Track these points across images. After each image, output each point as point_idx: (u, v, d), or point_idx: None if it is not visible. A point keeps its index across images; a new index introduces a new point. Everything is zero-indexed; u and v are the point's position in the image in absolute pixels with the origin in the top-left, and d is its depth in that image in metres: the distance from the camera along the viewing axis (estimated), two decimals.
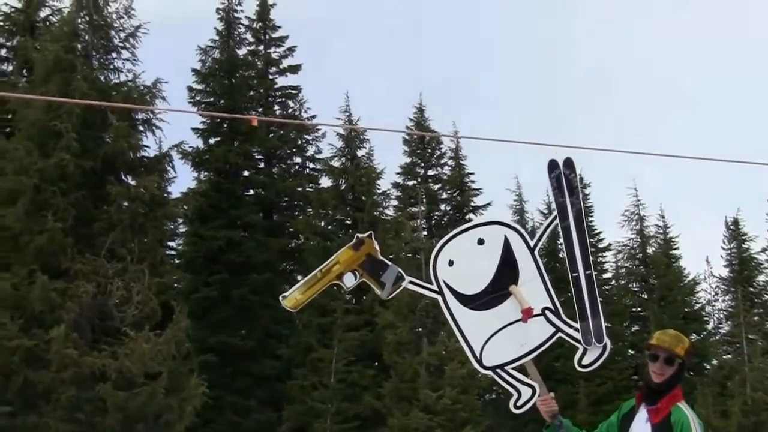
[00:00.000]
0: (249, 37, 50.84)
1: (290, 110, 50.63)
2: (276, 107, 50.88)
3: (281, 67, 51.20)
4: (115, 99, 29.92)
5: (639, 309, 52.65)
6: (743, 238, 53.88)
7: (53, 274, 27.44)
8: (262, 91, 50.91)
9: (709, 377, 46.24)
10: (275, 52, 51.27)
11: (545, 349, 8.79)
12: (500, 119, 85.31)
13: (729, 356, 48.98)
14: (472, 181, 52.93)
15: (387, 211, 48.94)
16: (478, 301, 8.78)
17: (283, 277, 46.34)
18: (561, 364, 43.02)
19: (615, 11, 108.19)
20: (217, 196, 44.78)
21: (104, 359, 26.91)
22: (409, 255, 38.19)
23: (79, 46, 31.13)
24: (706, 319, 53.76)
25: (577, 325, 8.65)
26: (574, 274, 8.86)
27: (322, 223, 46.91)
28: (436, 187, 52.69)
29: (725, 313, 54.91)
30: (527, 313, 8.61)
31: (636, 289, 53.90)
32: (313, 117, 51.81)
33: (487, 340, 8.71)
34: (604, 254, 53.32)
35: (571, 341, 8.66)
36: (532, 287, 8.80)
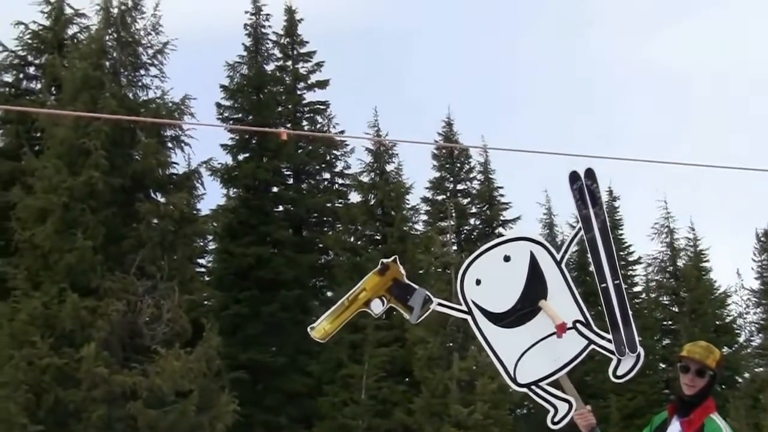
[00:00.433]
0: (277, 52, 50.87)
1: (319, 125, 50.57)
2: (304, 122, 50.84)
3: (309, 82, 51.21)
4: (144, 116, 29.99)
5: (670, 322, 52.29)
6: None
7: (83, 292, 27.46)
8: (290, 106, 50.91)
9: (741, 390, 45.87)
10: (303, 67, 51.29)
11: (578, 363, 8.72)
12: (529, 131, 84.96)
13: (761, 369, 48.68)
14: (501, 195, 52.72)
15: (416, 226, 48.89)
16: (508, 319, 8.72)
17: (313, 293, 46.33)
18: (592, 378, 42.86)
19: (634, 20, 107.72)
20: (246, 213, 44.76)
21: (135, 377, 26.90)
22: (439, 270, 38.11)
23: (107, 63, 31.20)
24: (737, 331, 53.42)
25: (610, 336, 8.57)
26: (603, 285, 8.81)
27: (352, 239, 46.83)
28: (466, 201, 52.47)
29: (757, 325, 54.65)
30: (561, 329, 8.53)
31: (667, 302, 53.54)
32: (342, 132, 51.87)
33: (520, 357, 8.65)
34: (634, 267, 53.05)
35: (604, 353, 8.59)
36: (561, 301, 8.74)
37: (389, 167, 47.44)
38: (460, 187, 52.52)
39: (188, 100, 31.78)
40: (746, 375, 49.03)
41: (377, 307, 8.82)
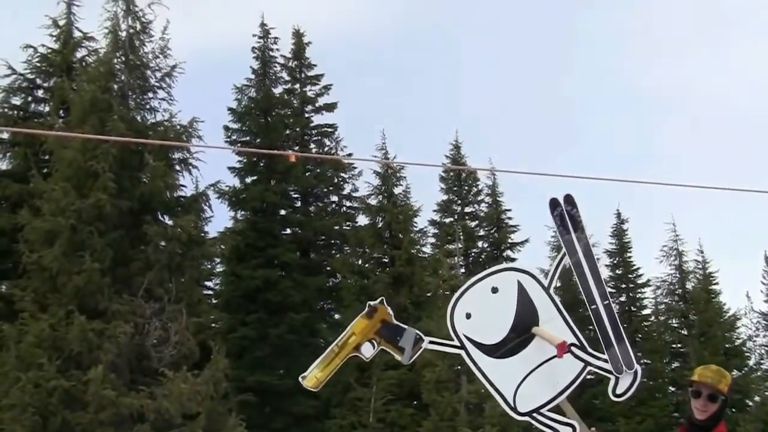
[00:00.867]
0: (285, 75, 51.13)
1: (326, 148, 50.77)
2: (312, 145, 50.99)
3: (317, 105, 51.38)
4: (152, 139, 30.00)
5: (679, 345, 52.26)
6: None
7: (91, 314, 27.41)
8: (298, 129, 51.09)
9: (751, 414, 45.74)
10: (311, 90, 51.53)
11: (579, 386, 8.74)
12: (535, 156, 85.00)
13: None
14: (509, 218, 52.73)
15: (424, 249, 48.98)
16: (502, 349, 8.79)
17: (321, 316, 46.34)
18: (600, 402, 42.73)
19: (658, 44, 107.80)
20: (254, 235, 44.81)
21: (142, 400, 26.82)
22: (447, 292, 38.05)
23: (116, 86, 31.21)
24: (747, 354, 53.32)
25: (606, 357, 8.59)
26: (593, 307, 8.87)
27: (360, 262, 46.86)
28: (473, 224, 52.51)
29: (766, 348, 54.42)
30: (562, 348, 8.54)
31: (676, 325, 53.56)
32: (350, 155, 51.97)
33: (518, 386, 8.70)
34: (643, 290, 53.11)
35: (602, 373, 8.61)
36: (553, 326, 8.79)
37: (397, 190, 47.55)
38: (467, 209, 52.60)
39: (196, 122, 31.81)
40: (756, 398, 48.89)
41: (368, 351, 8.83)
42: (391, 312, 8.88)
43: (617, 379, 8.57)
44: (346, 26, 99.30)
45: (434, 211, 51.51)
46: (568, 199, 8.95)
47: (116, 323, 27.31)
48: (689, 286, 53.16)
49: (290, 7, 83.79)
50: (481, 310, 8.89)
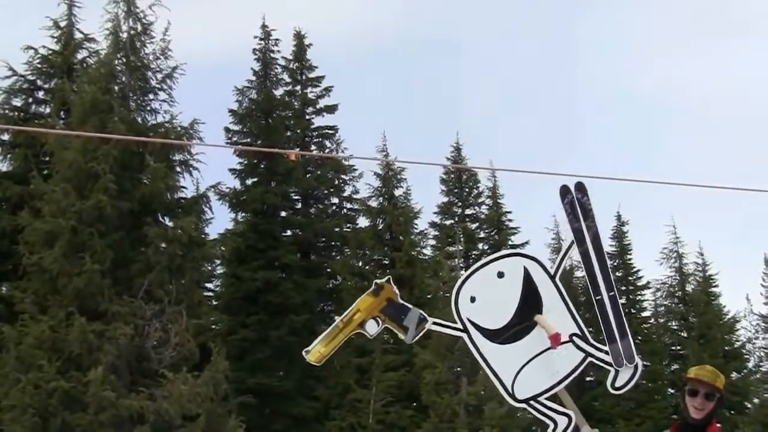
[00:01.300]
0: (286, 77, 51.08)
1: (327, 150, 50.68)
2: (313, 147, 51.01)
3: (318, 107, 51.40)
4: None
5: (678, 347, 52.25)
6: None
7: (91, 316, 27.46)
8: (299, 131, 51.11)
9: (750, 416, 45.78)
10: (312, 92, 51.55)
11: (580, 388, 8.73)
12: (536, 157, 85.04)
13: None
14: (510, 220, 52.68)
15: (425, 251, 48.85)
16: (504, 335, 8.76)
17: (321, 318, 46.29)
18: (600, 403, 42.75)
19: (648, 44, 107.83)
20: (254, 237, 44.78)
21: (142, 401, 26.86)
22: (447, 294, 37.93)
23: (116, 87, 31.26)
24: (746, 357, 53.27)
25: (607, 348, 8.56)
26: (598, 297, 8.81)
27: (360, 264, 46.86)
28: (474, 226, 52.44)
29: (766, 351, 54.40)
30: (555, 339, 8.54)
31: (675, 327, 53.53)
32: (350, 157, 51.97)
33: (518, 373, 8.69)
34: (642, 292, 53.04)
35: (602, 365, 8.58)
36: (556, 315, 8.75)
37: (397, 192, 47.60)
38: (468, 211, 52.53)
39: (197, 124, 31.87)
40: (755, 400, 48.88)
41: (372, 328, 8.85)
42: (397, 291, 8.88)
43: (617, 372, 8.55)
44: (347, 28, 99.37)
45: (435, 213, 51.50)
46: (579, 186, 8.87)
47: (116, 325, 27.34)
48: (689, 288, 53.14)
49: (291, 8, 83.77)
50: (485, 295, 8.86)
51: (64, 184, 28.95)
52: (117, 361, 27.38)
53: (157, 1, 31.45)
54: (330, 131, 51.52)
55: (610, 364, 8.55)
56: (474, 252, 52.24)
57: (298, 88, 51.55)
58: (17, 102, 36.96)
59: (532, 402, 8.65)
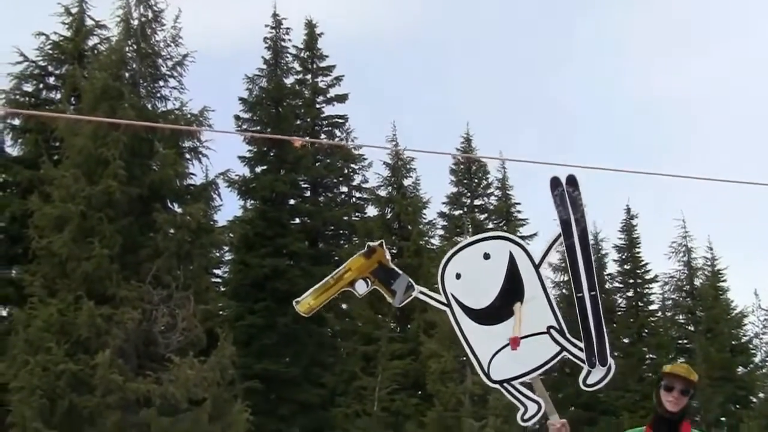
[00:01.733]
0: (296, 66, 51.23)
1: (337, 139, 50.80)
2: (323, 136, 51.11)
3: (328, 96, 51.54)
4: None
5: (685, 341, 52.22)
6: None
7: (99, 300, 27.62)
8: (309, 120, 51.22)
9: (755, 410, 45.83)
10: (322, 81, 51.68)
11: (552, 367, 8.82)
12: (544, 149, 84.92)
13: None
14: (519, 212, 52.60)
15: (432, 241, 48.90)
16: (485, 316, 8.81)
17: (328, 305, 46.29)
18: (605, 395, 42.88)
19: (662, 45, 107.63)
20: (263, 225, 44.94)
21: (149, 385, 27.04)
22: None
23: (127, 74, 31.38)
24: (753, 352, 53.25)
25: (582, 345, 8.63)
26: (579, 295, 8.74)
27: None
28: (482, 216, 52.33)
29: None
30: (515, 343, 8.63)
31: (682, 321, 53.49)
32: (359, 147, 52.08)
33: (494, 355, 8.71)
34: (650, 285, 52.96)
35: (576, 361, 8.67)
36: (536, 305, 8.79)
37: (406, 182, 47.72)
38: (477, 202, 52.45)
39: (207, 111, 32.00)
40: (761, 395, 48.92)
41: (361, 288, 8.96)
42: (389, 256, 9.01)
43: (589, 371, 8.64)
44: (358, 17, 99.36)
45: (443, 203, 51.35)
46: (570, 179, 8.82)
47: (124, 309, 27.52)
48: (697, 282, 53.14)
49: None
50: (471, 273, 8.88)
51: (74, 169, 29.10)
52: (124, 345, 27.56)
53: None
54: (340, 120, 51.68)
55: (583, 361, 8.65)
56: None
57: (308, 77, 51.70)
58: (28, 87, 37.09)
59: (505, 384, 8.75)
